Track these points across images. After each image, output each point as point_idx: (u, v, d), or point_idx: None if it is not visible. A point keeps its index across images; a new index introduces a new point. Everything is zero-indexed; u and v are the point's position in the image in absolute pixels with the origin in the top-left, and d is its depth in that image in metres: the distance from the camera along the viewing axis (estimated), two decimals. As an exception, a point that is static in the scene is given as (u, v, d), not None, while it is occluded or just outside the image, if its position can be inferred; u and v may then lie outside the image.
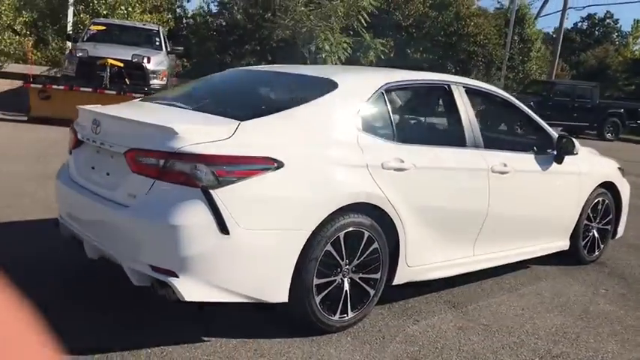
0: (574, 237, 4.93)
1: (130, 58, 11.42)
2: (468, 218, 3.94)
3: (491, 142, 4.24)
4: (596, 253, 5.21)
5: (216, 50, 21.99)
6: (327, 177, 3.16)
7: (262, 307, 3.16)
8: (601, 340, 3.60)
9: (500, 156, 4.13)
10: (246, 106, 3.47)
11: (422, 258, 3.70)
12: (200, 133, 2.90)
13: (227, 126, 2.97)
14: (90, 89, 10.48)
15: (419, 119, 4.71)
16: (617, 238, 5.45)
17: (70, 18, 18.05)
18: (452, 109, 4.03)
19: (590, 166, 4.97)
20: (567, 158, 4.60)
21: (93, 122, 3.26)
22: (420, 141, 3.78)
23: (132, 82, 11.35)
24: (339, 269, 3.28)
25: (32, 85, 10.46)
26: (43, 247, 4.21)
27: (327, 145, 3.23)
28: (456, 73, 23.45)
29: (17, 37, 16.91)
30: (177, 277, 2.79)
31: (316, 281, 3.16)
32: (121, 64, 11.27)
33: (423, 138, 3.99)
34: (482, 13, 24.65)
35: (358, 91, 3.53)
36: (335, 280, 3.27)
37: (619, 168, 5.38)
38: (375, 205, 3.35)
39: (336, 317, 3.30)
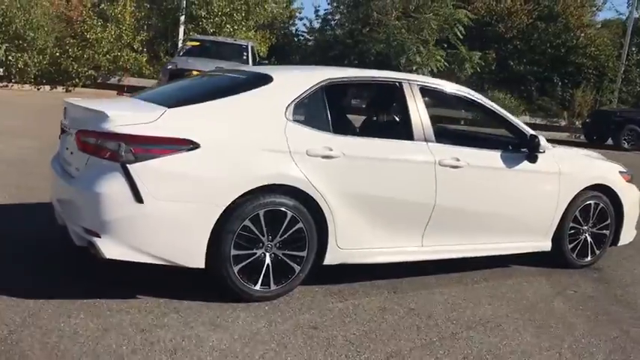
0: (557, 239, 4.85)
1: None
2: (410, 208, 4.11)
3: (446, 137, 4.37)
4: (589, 259, 5.06)
5: (317, 65, 22.91)
6: (245, 159, 3.56)
7: (198, 273, 3.58)
8: (521, 330, 3.63)
9: (452, 151, 4.25)
10: (182, 97, 3.96)
11: (356, 242, 3.94)
12: (129, 117, 3.44)
13: (155, 112, 3.49)
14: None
15: (364, 113, 4.92)
16: (621, 244, 5.25)
17: (181, 36, 19.86)
18: (400, 105, 4.24)
19: (575, 166, 4.88)
20: (543, 157, 4.60)
21: (64, 110, 3.93)
22: (358, 133, 4.04)
23: None
24: (260, 244, 3.65)
25: (125, 95, 11.78)
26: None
27: (249, 132, 3.63)
28: (563, 86, 22.51)
29: (134, 54, 18.86)
30: (100, 237, 3.32)
31: (234, 252, 3.55)
32: (205, 76, 12.31)
33: (363, 131, 4.24)
34: (594, 24, 23.42)
35: (292, 86, 3.89)
36: (255, 253, 3.64)
37: (621, 172, 5.19)
38: (299, 189, 3.68)
39: (257, 287, 3.66)
